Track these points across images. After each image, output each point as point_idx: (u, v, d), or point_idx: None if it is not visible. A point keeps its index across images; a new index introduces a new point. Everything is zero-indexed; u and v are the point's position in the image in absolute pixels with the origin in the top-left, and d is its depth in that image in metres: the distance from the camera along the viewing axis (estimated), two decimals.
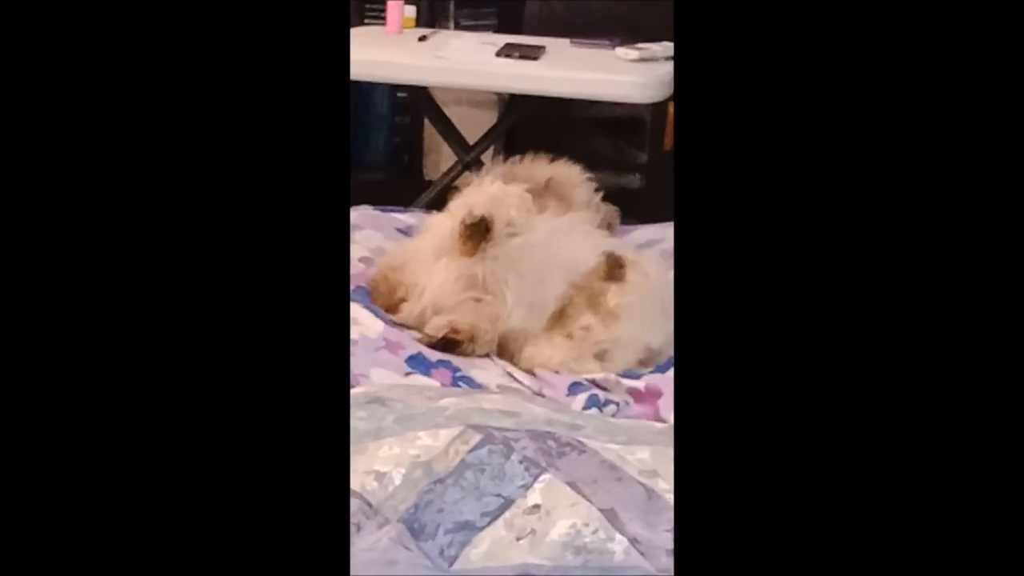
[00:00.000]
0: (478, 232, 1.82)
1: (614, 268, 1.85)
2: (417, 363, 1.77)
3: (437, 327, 1.82)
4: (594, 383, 1.73)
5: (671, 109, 3.55)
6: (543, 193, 2.05)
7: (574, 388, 1.69)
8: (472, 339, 1.80)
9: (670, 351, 1.79)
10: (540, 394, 1.68)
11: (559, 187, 2.12)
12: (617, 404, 1.66)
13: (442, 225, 1.92)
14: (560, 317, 1.83)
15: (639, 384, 1.72)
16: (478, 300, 1.83)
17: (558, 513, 1.14)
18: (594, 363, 1.79)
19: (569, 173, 2.19)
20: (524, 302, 1.83)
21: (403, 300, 1.90)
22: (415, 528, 1.16)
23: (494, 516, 1.15)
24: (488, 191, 1.93)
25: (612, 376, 1.75)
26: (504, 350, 1.84)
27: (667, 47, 3.01)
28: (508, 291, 1.83)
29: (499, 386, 1.70)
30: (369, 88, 3.86)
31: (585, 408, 1.61)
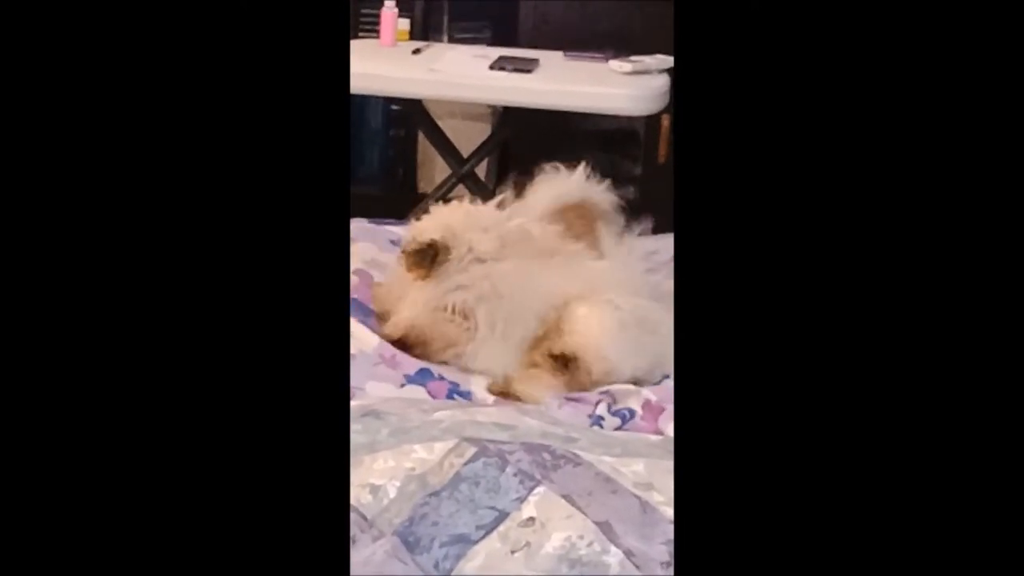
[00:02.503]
0: (425, 257, 1.84)
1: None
2: (416, 376, 1.78)
3: (395, 326, 1.85)
4: (609, 393, 1.73)
5: (665, 122, 3.56)
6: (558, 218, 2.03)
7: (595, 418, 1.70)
8: (424, 344, 1.82)
9: (662, 370, 1.80)
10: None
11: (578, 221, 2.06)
12: (624, 414, 1.66)
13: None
14: (536, 347, 1.83)
15: (652, 396, 1.72)
16: (450, 321, 1.84)
17: (553, 526, 1.14)
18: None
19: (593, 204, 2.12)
20: (496, 332, 1.83)
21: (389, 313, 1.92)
22: (410, 541, 1.15)
23: (489, 529, 1.15)
24: (450, 214, 1.93)
25: (631, 386, 1.76)
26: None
27: (660, 59, 3.01)
28: (480, 320, 1.83)
29: (497, 400, 1.70)
30: (363, 101, 3.86)
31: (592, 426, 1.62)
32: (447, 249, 1.84)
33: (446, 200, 2.18)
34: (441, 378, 1.78)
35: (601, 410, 1.68)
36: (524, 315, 1.83)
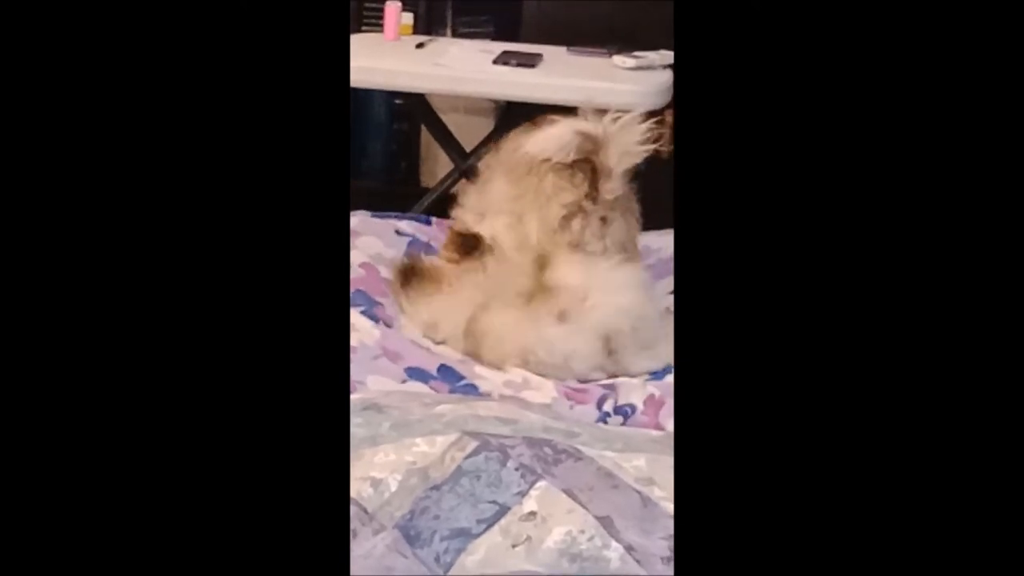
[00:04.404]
0: (467, 244, 1.86)
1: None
2: (416, 374, 1.78)
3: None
4: (613, 387, 1.74)
5: (668, 117, 3.55)
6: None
7: (601, 409, 1.70)
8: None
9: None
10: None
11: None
12: (626, 411, 1.67)
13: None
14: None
15: (655, 390, 1.72)
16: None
17: (554, 520, 1.14)
18: (555, 324, 1.80)
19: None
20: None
21: None
22: (411, 535, 1.15)
23: (490, 523, 1.15)
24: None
25: (636, 379, 1.76)
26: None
27: (664, 55, 3.01)
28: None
29: (501, 396, 1.71)
30: (366, 95, 3.86)
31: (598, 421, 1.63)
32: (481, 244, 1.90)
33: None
34: (443, 376, 1.78)
35: (608, 406, 1.69)
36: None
